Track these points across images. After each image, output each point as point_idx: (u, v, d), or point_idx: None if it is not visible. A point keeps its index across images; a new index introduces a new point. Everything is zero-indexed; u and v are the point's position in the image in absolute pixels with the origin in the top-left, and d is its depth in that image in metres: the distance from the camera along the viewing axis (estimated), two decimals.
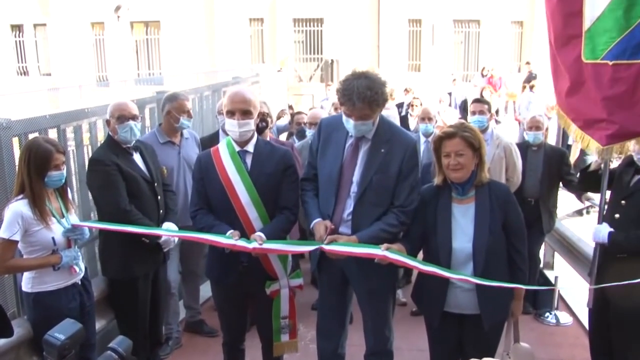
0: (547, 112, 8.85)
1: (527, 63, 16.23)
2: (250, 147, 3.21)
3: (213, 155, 3.23)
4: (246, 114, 3.12)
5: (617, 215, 3.35)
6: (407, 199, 3.05)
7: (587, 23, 3.27)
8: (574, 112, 3.51)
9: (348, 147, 3.14)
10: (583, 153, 8.16)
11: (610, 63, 3.20)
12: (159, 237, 3.62)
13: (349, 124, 3.03)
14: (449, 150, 2.89)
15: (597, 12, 3.23)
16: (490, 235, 2.88)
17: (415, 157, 3.12)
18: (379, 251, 2.85)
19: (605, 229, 3.31)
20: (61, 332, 1.73)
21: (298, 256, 5.33)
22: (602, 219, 3.44)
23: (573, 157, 8.02)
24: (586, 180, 3.86)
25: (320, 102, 9.29)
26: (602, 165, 3.50)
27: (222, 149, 3.23)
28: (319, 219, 3.12)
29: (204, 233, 3.19)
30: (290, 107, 7.36)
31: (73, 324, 1.79)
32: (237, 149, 3.20)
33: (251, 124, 3.16)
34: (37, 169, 3.01)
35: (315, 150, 3.27)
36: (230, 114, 3.12)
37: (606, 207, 3.51)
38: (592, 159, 3.82)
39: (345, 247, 2.97)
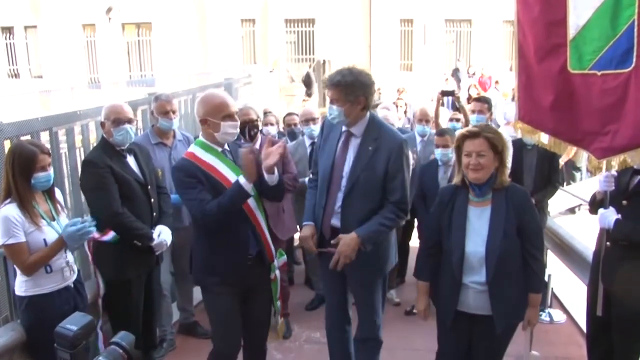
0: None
1: None
2: (226, 146, 3.18)
3: (196, 161, 3.08)
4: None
5: (619, 215, 3.27)
6: (403, 195, 3.17)
7: (571, 32, 3.22)
8: (561, 126, 3.39)
9: (340, 144, 3.28)
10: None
11: (599, 73, 3.14)
12: (151, 240, 3.62)
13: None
14: (470, 150, 2.86)
15: (582, 20, 3.18)
16: (504, 239, 2.83)
17: (401, 158, 3.17)
18: None
19: (612, 215, 3.24)
20: (73, 323, 1.75)
21: (289, 256, 5.35)
22: (608, 203, 3.32)
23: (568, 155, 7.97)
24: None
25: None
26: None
27: (200, 153, 3.10)
28: (308, 223, 3.32)
29: None
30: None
31: (83, 316, 1.81)
32: (219, 149, 3.14)
33: None
34: (22, 171, 3.00)
35: (318, 147, 3.44)
36: (229, 117, 3.07)
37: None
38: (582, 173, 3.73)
39: None
